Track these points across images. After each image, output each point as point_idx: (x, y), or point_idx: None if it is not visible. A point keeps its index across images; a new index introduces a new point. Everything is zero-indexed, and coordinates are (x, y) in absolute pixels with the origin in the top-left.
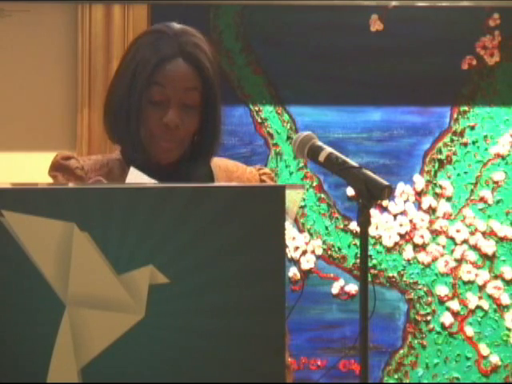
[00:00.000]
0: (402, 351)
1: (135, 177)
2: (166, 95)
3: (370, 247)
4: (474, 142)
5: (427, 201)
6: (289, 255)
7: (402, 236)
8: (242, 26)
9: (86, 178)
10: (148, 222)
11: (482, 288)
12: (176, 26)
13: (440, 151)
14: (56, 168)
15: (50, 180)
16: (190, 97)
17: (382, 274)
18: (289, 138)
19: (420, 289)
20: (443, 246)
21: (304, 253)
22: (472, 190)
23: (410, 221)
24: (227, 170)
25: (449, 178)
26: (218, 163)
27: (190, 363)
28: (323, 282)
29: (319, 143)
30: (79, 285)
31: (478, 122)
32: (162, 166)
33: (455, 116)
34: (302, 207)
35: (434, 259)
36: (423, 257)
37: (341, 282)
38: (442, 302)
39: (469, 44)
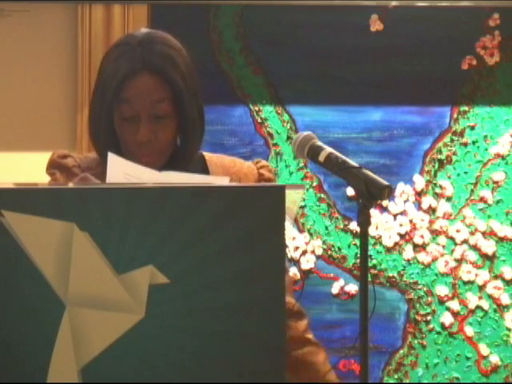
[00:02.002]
0: (402, 351)
1: (116, 162)
2: (136, 110)
3: (370, 247)
4: (474, 142)
5: (427, 201)
6: (289, 255)
7: (402, 236)
8: (241, 26)
9: None
10: (148, 222)
11: (482, 288)
12: (141, 33)
13: (440, 151)
14: (53, 166)
15: (49, 179)
16: (159, 109)
17: (382, 273)
18: (289, 137)
19: (420, 289)
20: (443, 246)
21: (304, 253)
22: (472, 190)
23: (410, 221)
24: (223, 167)
25: (449, 178)
26: (214, 160)
27: (190, 363)
28: (323, 282)
29: (319, 143)
30: (79, 285)
31: (478, 122)
32: None
33: (455, 116)
34: (302, 207)
35: (434, 259)
36: (423, 257)
37: (341, 282)
38: (441, 302)
39: (469, 44)
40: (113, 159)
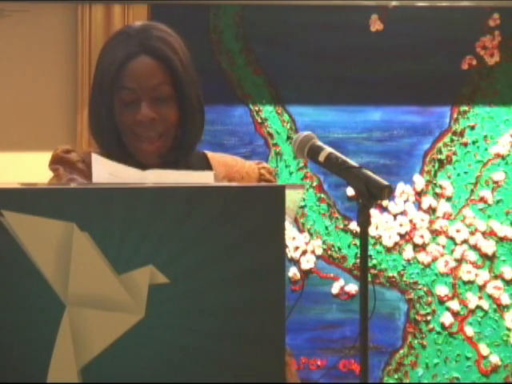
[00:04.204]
0: (401, 351)
1: (100, 163)
2: (136, 94)
3: (370, 247)
4: (474, 142)
5: (427, 201)
6: (289, 255)
7: (402, 236)
8: (241, 26)
9: (87, 171)
10: (148, 222)
11: (482, 288)
12: (137, 24)
13: (440, 151)
14: (57, 161)
15: (49, 178)
16: (160, 91)
17: (381, 273)
18: (289, 137)
19: (420, 289)
20: (443, 246)
21: (304, 253)
22: (472, 190)
23: (410, 221)
24: (226, 165)
25: (449, 178)
26: (217, 159)
27: (190, 363)
28: (323, 282)
29: (319, 143)
30: (79, 285)
31: (478, 122)
32: (147, 165)
33: (455, 116)
34: (302, 207)
35: (434, 259)
36: (423, 257)
37: (341, 282)
38: (441, 302)
39: (469, 44)
40: (96, 160)
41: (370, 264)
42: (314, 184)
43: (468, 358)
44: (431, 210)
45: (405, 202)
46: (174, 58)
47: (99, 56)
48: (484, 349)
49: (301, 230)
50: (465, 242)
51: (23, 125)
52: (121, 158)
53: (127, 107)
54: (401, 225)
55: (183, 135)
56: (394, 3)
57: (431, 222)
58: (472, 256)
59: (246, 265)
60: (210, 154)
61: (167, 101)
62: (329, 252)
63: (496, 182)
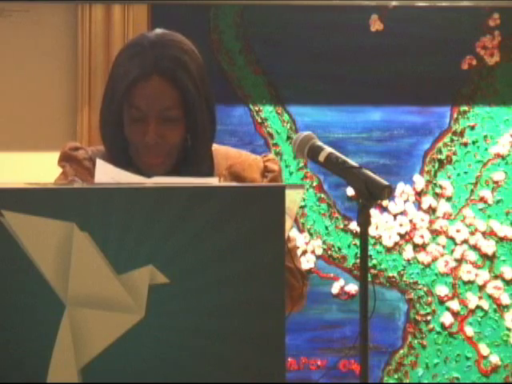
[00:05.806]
0: (402, 351)
1: (103, 168)
2: (144, 114)
3: (370, 247)
4: (474, 142)
5: (427, 201)
6: None
7: (402, 236)
8: (242, 26)
9: (93, 169)
10: (148, 222)
11: (482, 288)
12: (154, 34)
13: (440, 151)
14: (64, 158)
15: (50, 178)
16: (168, 114)
17: (381, 273)
18: (289, 137)
19: (420, 289)
20: (443, 246)
21: (304, 253)
22: (472, 190)
23: (410, 221)
24: (228, 158)
25: (449, 178)
26: (220, 150)
27: (190, 363)
28: (323, 282)
29: (319, 143)
30: (79, 285)
31: (478, 122)
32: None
33: (455, 116)
34: (302, 207)
35: (434, 259)
36: (423, 257)
37: (341, 282)
38: (441, 302)
39: (469, 44)
40: (101, 165)
41: (370, 264)
42: (314, 184)
43: (468, 358)
44: (431, 210)
45: (405, 202)
46: (187, 81)
47: (113, 65)
48: (484, 349)
49: (301, 230)
50: (465, 242)
51: (23, 125)
52: (127, 165)
53: (135, 124)
54: (401, 225)
55: (192, 150)
56: (393, 3)
57: (431, 222)
58: (472, 256)
59: (246, 265)
60: (214, 146)
61: (174, 122)
62: (329, 252)
63: (496, 182)
